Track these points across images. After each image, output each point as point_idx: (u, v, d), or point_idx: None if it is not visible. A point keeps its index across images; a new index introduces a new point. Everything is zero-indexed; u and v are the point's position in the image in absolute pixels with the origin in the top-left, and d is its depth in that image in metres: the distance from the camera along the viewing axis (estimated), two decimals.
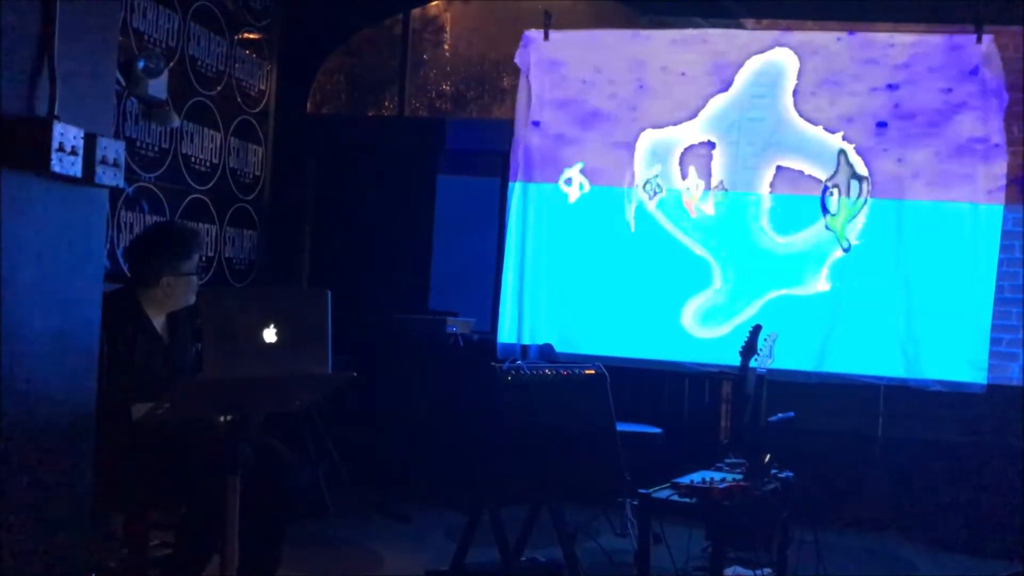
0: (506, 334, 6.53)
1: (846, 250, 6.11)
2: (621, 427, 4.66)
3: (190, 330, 3.91)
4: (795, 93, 6.23)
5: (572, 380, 4.61)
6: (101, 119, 2.96)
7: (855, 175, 6.12)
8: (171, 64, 5.71)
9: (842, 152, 6.13)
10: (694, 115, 6.35)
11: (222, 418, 3.21)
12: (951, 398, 6.07)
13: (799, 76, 6.22)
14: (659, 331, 6.34)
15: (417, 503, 6.07)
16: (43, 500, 2.77)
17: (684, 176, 6.37)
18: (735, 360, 4.56)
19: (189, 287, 3.85)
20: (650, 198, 6.42)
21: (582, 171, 6.51)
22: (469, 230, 7.19)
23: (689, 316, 6.32)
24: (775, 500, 4.19)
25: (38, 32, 2.71)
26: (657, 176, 6.41)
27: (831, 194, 6.16)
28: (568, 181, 6.52)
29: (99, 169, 2.80)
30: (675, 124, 6.38)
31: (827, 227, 6.16)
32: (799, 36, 6.29)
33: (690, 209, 6.36)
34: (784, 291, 6.20)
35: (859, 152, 6.14)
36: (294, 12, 7.06)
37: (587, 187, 6.50)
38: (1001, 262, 6.00)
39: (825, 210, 6.16)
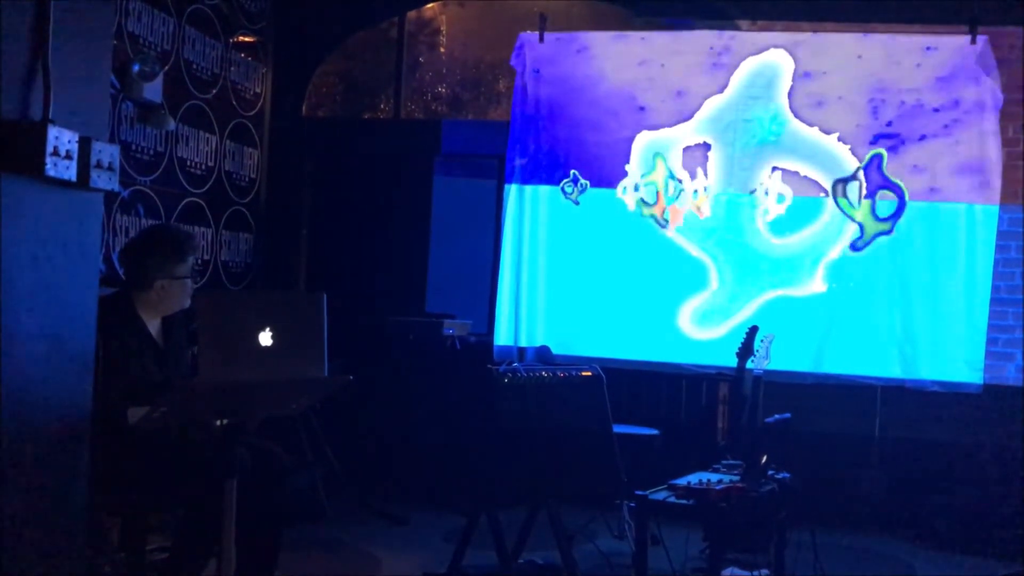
0: (503, 336, 6.53)
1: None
2: (618, 429, 4.67)
3: (185, 334, 3.90)
4: (790, 94, 6.24)
5: (569, 382, 4.60)
6: (96, 123, 2.96)
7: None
8: (166, 67, 5.70)
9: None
10: (690, 116, 6.36)
11: (218, 422, 3.20)
12: (948, 398, 6.08)
13: (794, 77, 6.23)
14: (656, 333, 6.35)
15: (414, 506, 6.07)
16: (39, 504, 2.76)
17: (680, 178, 6.37)
18: (732, 361, 4.57)
19: (183, 290, 3.85)
20: (646, 199, 6.42)
21: (578, 173, 6.51)
22: (465, 232, 7.19)
23: (686, 317, 6.33)
24: (772, 501, 4.19)
25: (32, 36, 2.71)
26: (653, 177, 6.41)
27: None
28: (564, 183, 6.52)
29: (94, 173, 2.80)
30: (671, 125, 6.38)
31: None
32: (794, 37, 6.29)
33: (686, 210, 6.36)
34: (780, 292, 6.21)
35: (854, 153, 6.15)
36: (289, 15, 7.06)
37: (583, 189, 6.50)
38: (997, 262, 6.01)
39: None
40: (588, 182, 6.49)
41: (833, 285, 6.17)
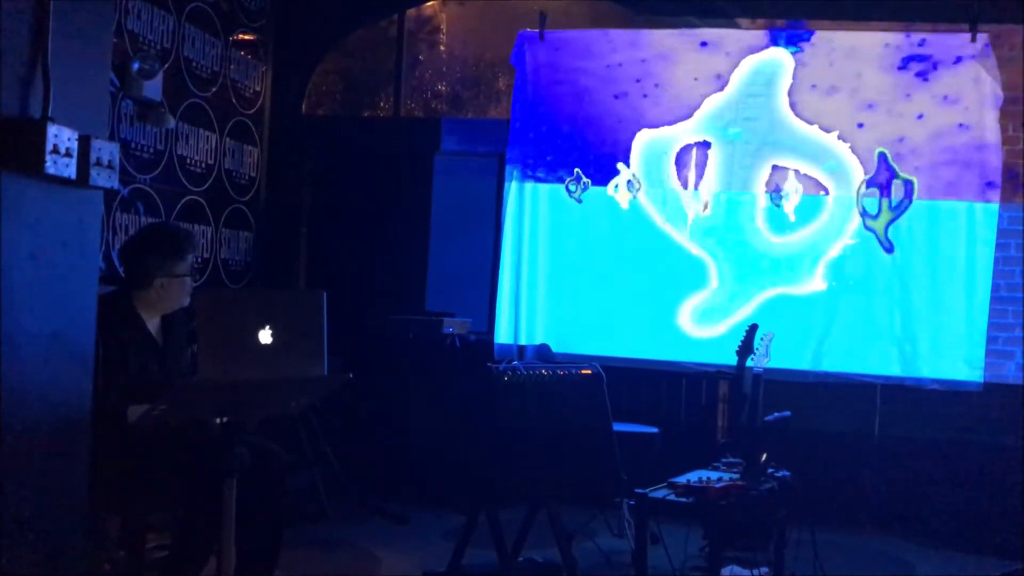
0: (503, 335, 6.53)
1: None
2: (618, 427, 4.66)
3: (185, 332, 3.89)
4: (790, 92, 6.23)
5: (569, 380, 4.60)
6: (96, 121, 2.96)
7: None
8: (166, 65, 5.70)
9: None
10: (690, 115, 6.35)
11: (218, 420, 3.20)
12: (947, 397, 6.08)
13: (794, 75, 6.22)
14: (656, 331, 6.34)
15: (414, 504, 6.06)
16: (39, 502, 2.76)
17: (680, 176, 6.37)
18: (732, 359, 4.57)
19: (183, 289, 3.84)
20: (646, 197, 6.42)
21: (578, 171, 6.51)
22: (465, 231, 7.18)
23: (686, 316, 6.32)
24: (772, 499, 4.19)
25: (32, 34, 2.71)
26: (653, 176, 6.41)
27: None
28: (568, 181, 6.52)
29: (93, 171, 2.80)
30: (671, 124, 6.38)
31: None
32: (793, 35, 6.28)
33: (686, 209, 6.36)
34: (780, 290, 6.21)
35: (854, 151, 6.14)
36: (289, 13, 7.05)
37: (585, 187, 6.50)
38: (997, 260, 6.00)
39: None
40: (590, 180, 6.49)
41: (833, 283, 6.17)
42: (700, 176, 6.34)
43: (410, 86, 7.50)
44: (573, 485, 4.61)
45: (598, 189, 6.48)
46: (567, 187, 6.52)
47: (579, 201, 6.50)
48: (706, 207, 6.33)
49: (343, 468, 6.11)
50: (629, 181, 6.42)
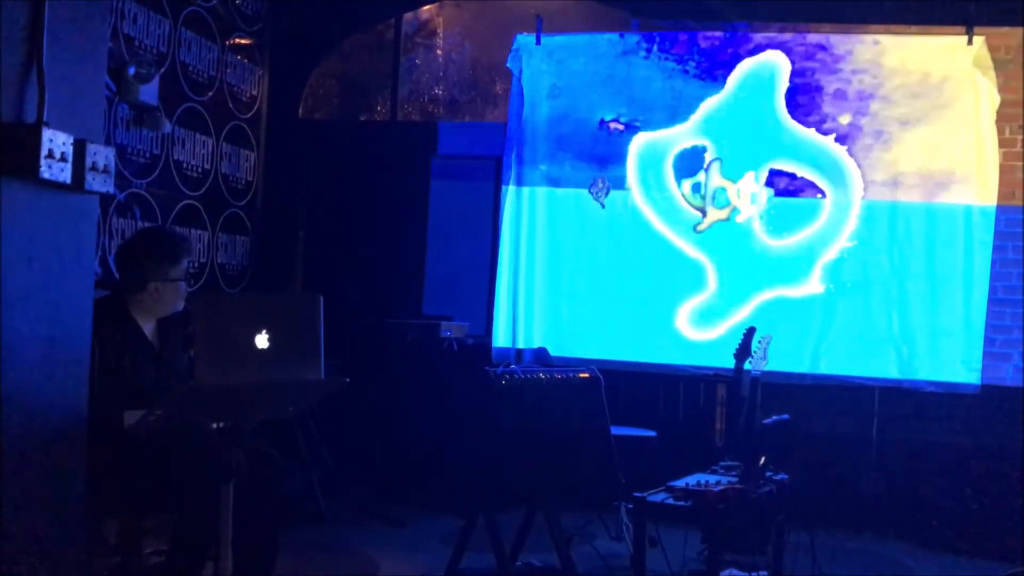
0: (501, 338, 6.53)
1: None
2: (616, 430, 4.66)
3: (182, 336, 3.89)
4: (787, 95, 6.23)
5: (567, 384, 4.60)
6: (91, 125, 2.96)
7: None
8: (162, 70, 5.69)
9: None
10: (686, 118, 6.35)
11: (215, 425, 3.19)
12: (946, 399, 6.08)
13: (791, 78, 6.23)
14: (653, 334, 6.34)
15: (412, 508, 6.06)
16: (35, 507, 2.76)
17: (677, 179, 6.37)
18: (730, 363, 4.56)
19: (177, 293, 3.84)
20: (643, 201, 6.42)
21: (576, 175, 6.50)
22: (463, 234, 7.18)
23: (683, 319, 6.32)
24: (770, 502, 4.18)
25: (27, 38, 2.70)
26: (651, 179, 6.41)
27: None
28: (561, 185, 6.51)
29: (89, 175, 2.79)
30: (668, 127, 6.38)
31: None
32: (791, 38, 6.29)
33: (684, 211, 6.36)
34: (778, 292, 6.20)
35: (851, 154, 6.15)
36: (285, 17, 7.04)
37: (582, 190, 6.49)
38: (994, 263, 6.01)
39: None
40: (588, 184, 6.48)
41: (830, 286, 6.16)
42: (697, 179, 6.34)
43: (407, 90, 7.51)
44: (571, 489, 4.60)
45: (596, 193, 6.47)
46: (564, 191, 6.51)
47: (577, 205, 6.49)
48: (703, 210, 6.33)
49: (340, 471, 6.11)
50: (639, 184, 6.41)
